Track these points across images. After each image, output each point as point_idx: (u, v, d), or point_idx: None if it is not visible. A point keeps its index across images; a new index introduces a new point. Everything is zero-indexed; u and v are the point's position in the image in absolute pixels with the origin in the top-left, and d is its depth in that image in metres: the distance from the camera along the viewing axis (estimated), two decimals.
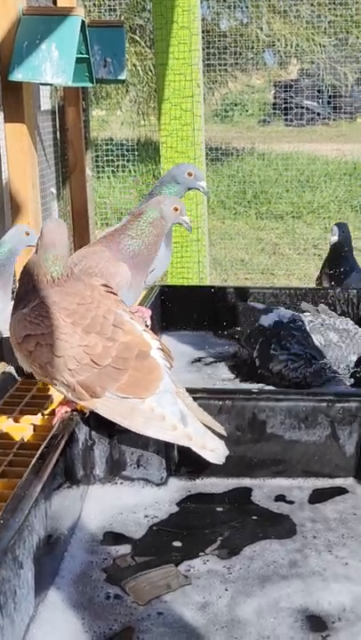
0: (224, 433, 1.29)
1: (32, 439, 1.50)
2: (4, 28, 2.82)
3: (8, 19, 2.82)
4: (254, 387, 1.83)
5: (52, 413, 1.47)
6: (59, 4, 3.77)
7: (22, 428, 1.54)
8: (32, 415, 1.59)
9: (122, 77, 4.01)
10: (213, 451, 1.25)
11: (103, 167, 6.51)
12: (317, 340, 1.84)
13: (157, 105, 4.05)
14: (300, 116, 8.63)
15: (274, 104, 9.24)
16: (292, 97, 8.08)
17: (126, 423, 1.23)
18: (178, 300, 2.23)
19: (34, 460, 1.09)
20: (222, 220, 7.25)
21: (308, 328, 1.86)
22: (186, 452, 1.26)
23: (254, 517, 1.25)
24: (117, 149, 6.41)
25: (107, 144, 6.55)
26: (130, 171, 7.12)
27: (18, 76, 2.80)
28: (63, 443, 1.16)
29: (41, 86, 3.62)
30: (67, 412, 1.27)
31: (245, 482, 1.34)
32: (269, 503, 1.28)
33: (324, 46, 6.74)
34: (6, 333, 1.65)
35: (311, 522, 1.23)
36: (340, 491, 1.32)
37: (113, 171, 6.71)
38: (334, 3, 6.37)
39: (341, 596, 1.05)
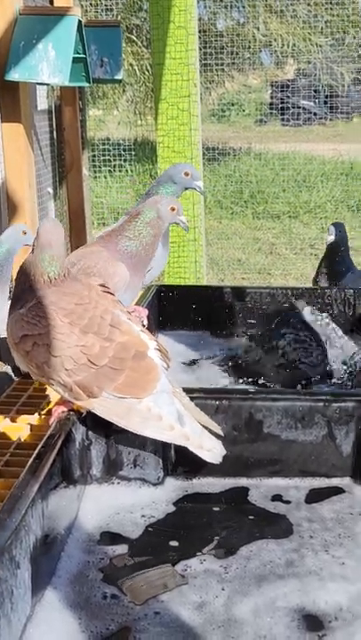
0: (221, 433, 1.29)
1: (29, 439, 1.50)
2: (0, 28, 2.82)
3: (5, 18, 2.82)
4: (251, 387, 1.83)
5: (49, 413, 1.47)
6: (55, 4, 3.77)
7: (19, 428, 1.54)
8: (29, 415, 1.59)
9: (118, 77, 4.02)
10: (210, 450, 1.25)
11: (100, 167, 6.50)
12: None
13: (154, 105, 4.04)
14: (297, 115, 8.63)
15: (271, 104, 9.23)
16: (288, 97, 8.08)
17: (123, 423, 1.23)
18: (175, 300, 2.23)
19: (31, 459, 1.09)
20: (219, 219, 7.24)
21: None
22: (183, 452, 1.26)
23: (251, 517, 1.25)
24: (114, 149, 6.40)
25: (103, 144, 6.54)
26: (127, 170, 7.11)
27: (14, 75, 2.80)
28: (60, 443, 1.16)
29: (38, 86, 3.62)
30: (63, 411, 1.27)
31: (242, 481, 1.34)
32: (266, 503, 1.28)
33: (320, 46, 6.74)
34: (3, 333, 1.65)
35: (308, 521, 1.23)
36: (337, 490, 1.32)
37: (110, 170, 6.70)
38: (331, 2, 6.36)
39: (338, 595, 1.05)
